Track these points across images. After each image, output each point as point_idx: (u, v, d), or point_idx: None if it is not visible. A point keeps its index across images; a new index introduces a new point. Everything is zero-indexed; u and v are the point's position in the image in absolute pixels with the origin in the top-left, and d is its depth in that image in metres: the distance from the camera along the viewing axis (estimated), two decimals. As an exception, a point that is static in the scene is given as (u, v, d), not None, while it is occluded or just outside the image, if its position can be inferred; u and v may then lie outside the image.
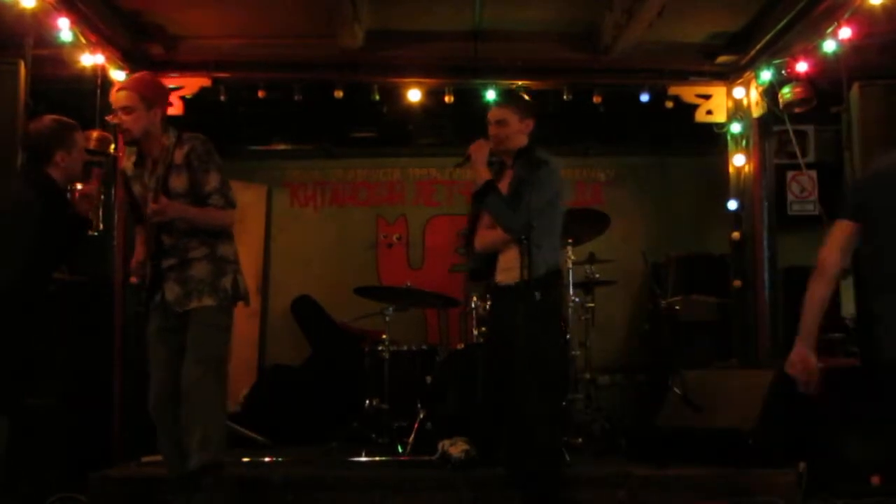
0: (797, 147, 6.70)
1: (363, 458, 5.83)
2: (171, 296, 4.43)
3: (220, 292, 4.45)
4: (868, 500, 5.10)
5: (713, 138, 6.95)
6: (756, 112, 6.62)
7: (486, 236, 4.91)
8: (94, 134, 5.94)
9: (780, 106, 6.19)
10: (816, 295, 3.45)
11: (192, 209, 4.42)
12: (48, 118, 4.48)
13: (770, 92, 6.35)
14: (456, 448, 5.44)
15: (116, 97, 4.51)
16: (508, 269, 4.75)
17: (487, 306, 6.19)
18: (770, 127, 6.66)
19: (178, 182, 4.44)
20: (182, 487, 4.41)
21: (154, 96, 4.53)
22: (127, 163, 4.78)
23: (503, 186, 4.78)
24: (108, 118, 4.60)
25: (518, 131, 4.89)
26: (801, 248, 7.06)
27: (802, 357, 3.45)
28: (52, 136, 4.43)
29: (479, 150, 4.80)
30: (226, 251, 4.55)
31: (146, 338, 4.59)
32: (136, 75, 4.86)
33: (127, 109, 4.44)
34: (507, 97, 5.19)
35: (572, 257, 6.46)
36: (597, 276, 6.59)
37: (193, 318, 4.40)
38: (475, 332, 6.31)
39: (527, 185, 4.66)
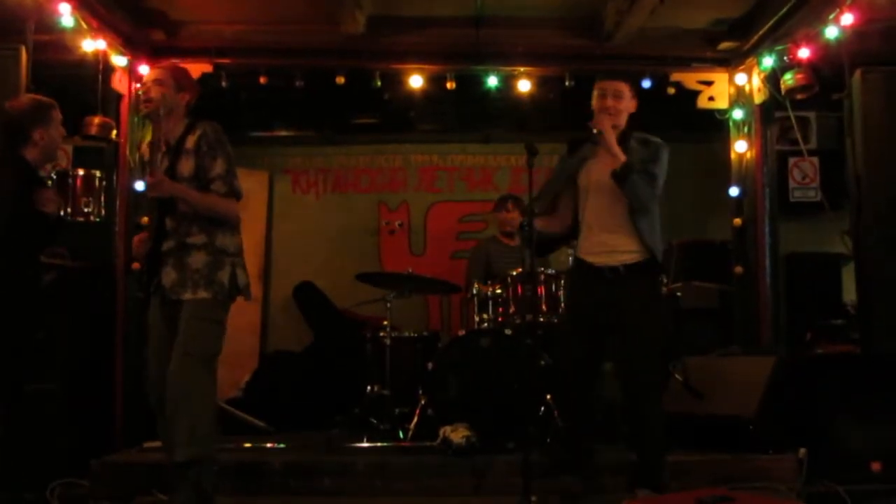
0: (799, 133, 6.69)
1: (365, 444, 5.84)
2: (168, 281, 4.40)
3: (215, 285, 4.40)
4: (869, 487, 5.11)
5: (715, 125, 6.94)
6: (758, 98, 6.62)
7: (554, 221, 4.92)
8: (96, 120, 5.95)
9: (782, 92, 6.18)
10: None
11: (192, 191, 4.40)
12: (26, 97, 4.50)
13: (772, 78, 6.34)
14: (457, 434, 5.44)
15: (151, 71, 4.65)
16: (615, 251, 4.70)
17: (493, 293, 6.21)
18: (772, 113, 6.65)
19: (186, 166, 4.43)
20: (182, 472, 4.42)
21: (185, 83, 4.61)
22: (146, 147, 4.76)
23: (607, 164, 4.67)
24: (139, 88, 4.64)
25: (627, 109, 4.82)
26: (802, 235, 7.08)
27: None
28: (30, 113, 4.47)
29: (606, 126, 4.66)
30: (225, 242, 4.50)
31: (146, 323, 4.58)
32: (171, 62, 4.94)
33: (158, 81, 4.51)
34: (619, 74, 5.05)
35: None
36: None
37: (186, 310, 4.35)
38: (477, 319, 6.31)
39: (652, 164, 4.68)
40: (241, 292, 4.54)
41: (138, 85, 6.24)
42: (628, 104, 4.81)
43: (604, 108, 4.74)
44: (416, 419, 5.86)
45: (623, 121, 4.79)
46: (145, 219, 6.27)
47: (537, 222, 4.69)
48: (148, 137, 4.79)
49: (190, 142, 4.44)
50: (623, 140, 4.72)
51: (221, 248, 4.48)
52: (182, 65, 6.34)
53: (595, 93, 4.83)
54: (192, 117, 4.56)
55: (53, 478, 5.12)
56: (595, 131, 4.66)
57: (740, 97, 6.76)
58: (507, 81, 6.77)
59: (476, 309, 6.34)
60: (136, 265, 6.23)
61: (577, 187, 4.88)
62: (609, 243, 4.73)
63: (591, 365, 4.83)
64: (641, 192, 4.64)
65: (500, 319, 6.22)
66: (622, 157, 4.61)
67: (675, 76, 6.77)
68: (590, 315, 4.71)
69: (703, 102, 6.84)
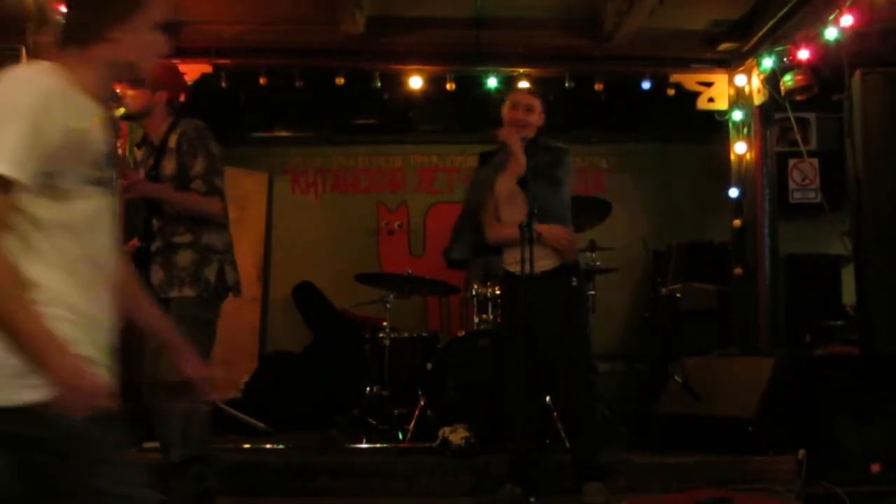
0: (798, 135, 6.70)
1: (363, 445, 5.85)
2: (156, 280, 4.37)
3: (201, 283, 4.36)
4: (868, 488, 5.11)
5: (714, 126, 6.95)
6: (757, 99, 6.62)
7: (503, 230, 4.94)
8: (95, 120, 5.94)
9: (782, 93, 6.19)
10: None
11: (170, 192, 4.37)
12: None
13: (772, 79, 6.35)
14: (456, 435, 5.45)
15: None
16: (537, 257, 4.66)
17: (493, 294, 6.24)
18: (771, 114, 6.65)
19: (169, 166, 4.40)
20: (181, 473, 4.41)
21: (163, 80, 4.50)
22: (138, 148, 4.77)
23: (513, 173, 4.82)
24: (116, 87, 4.58)
25: (537, 122, 4.99)
26: (802, 236, 7.09)
27: None
28: None
29: (512, 137, 4.81)
30: (212, 240, 4.45)
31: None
32: None
33: (129, 83, 4.45)
34: (532, 87, 5.25)
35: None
36: (597, 263, 6.57)
37: (172, 308, 4.29)
38: (476, 320, 6.31)
39: (558, 170, 4.82)
40: (230, 290, 4.50)
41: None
42: (539, 117, 5.00)
43: (514, 120, 4.94)
44: (414, 420, 5.87)
45: (532, 132, 4.94)
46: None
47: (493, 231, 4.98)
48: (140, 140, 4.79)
49: (172, 141, 4.42)
50: (531, 149, 4.84)
51: (208, 245, 4.43)
52: (182, 65, 6.39)
53: (507, 104, 5.03)
54: (176, 115, 4.52)
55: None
56: (499, 142, 4.86)
57: (740, 98, 6.76)
58: (507, 82, 6.76)
59: (475, 310, 6.35)
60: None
61: (494, 199, 5.04)
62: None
63: (536, 376, 4.83)
64: (547, 198, 4.75)
65: (499, 320, 6.22)
66: (523, 164, 4.74)
67: (675, 77, 6.77)
68: (520, 324, 4.69)
69: (702, 103, 6.84)
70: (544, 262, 4.73)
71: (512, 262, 4.85)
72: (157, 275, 4.39)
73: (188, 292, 4.34)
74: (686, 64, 6.82)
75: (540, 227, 4.62)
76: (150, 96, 4.46)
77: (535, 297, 4.64)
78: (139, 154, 4.67)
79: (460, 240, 5.15)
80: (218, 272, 4.43)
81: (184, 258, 4.38)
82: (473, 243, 5.14)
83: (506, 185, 4.94)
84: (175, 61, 6.41)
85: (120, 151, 4.82)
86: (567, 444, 5.50)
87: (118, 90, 4.54)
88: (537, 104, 5.00)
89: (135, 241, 4.59)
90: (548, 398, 5.26)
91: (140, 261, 4.43)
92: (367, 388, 6.37)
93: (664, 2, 5.74)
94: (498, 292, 6.26)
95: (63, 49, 2.21)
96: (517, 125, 4.90)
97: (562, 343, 4.80)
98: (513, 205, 4.90)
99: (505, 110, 5.01)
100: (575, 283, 4.90)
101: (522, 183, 4.74)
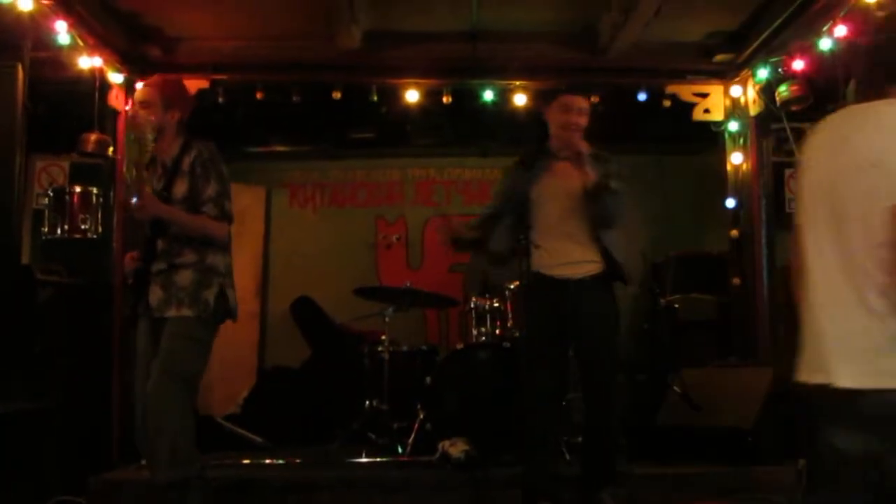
0: (795, 145, 6.69)
1: (363, 459, 5.84)
2: (154, 300, 4.35)
3: (200, 304, 4.33)
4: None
5: (711, 137, 6.95)
6: (753, 110, 6.63)
7: None
8: (93, 137, 5.95)
9: (778, 104, 6.19)
10: None
11: (181, 213, 4.36)
12: None
13: (767, 90, 6.36)
14: (456, 448, 5.44)
15: (138, 92, 4.61)
16: (577, 262, 4.70)
17: (491, 306, 6.23)
18: (767, 125, 6.66)
19: (180, 187, 4.39)
20: (171, 493, 4.40)
21: (174, 99, 4.54)
22: (142, 165, 4.77)
23: (573, 180, 4.67)
24: (129, 110, 4.59)
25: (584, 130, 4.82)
26: (799, 246, 7.07)
27: None
28: None
29: (585, 146, 4.66)
30: (215, 261, 4.43)
31: (136, 344, 4.52)
32: (162, 77, 4.87)
33: (144, 104, 4.48)
34: (581, 89, 5.09)
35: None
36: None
37: (169, 328, 4.29)
38: (475, 332, 6.31)
39: (614, 179, 4.63)
40: (229, 313, 4.48)
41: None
42: (587, 121, 4.81)
43: (573, 125, 4.75)
44: (414, 433, 5.86)
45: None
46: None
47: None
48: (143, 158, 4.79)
49: (185, 163, 4.40)
50: (586, 156, 4.70)
51: (211, 266, 4.41)
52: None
53: (556, 107, 4.83)
54: (187, 135, 4.52)
55: (51, 495, 5.11)
56: (578, 151, 4.63)
57: (736, 109, 6.78)
58: (504, 95, 6.78)
59: (474, 322, 6.34)
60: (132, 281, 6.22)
61: (529, 201, 4.84)
62: (570, 256, 4.72)
63: (558, 388, 4.86)
64: (614, 209, 4.66)
65: (498, 333, 6.22)
66: (592, 176, 4.59)
67: (671, 88, 6.78)
68: (554, 331, 4.67)
69: (698, 115, 6.85)
70: (591, 266, 4.71)
71: (553, 264, 4.72)
72: (155, 294, 4.36)
73: (187, 312, 4.31)
74: (682, 75, 6.82)
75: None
76: (162, 115, 4.46)
77: (579, 302, 4.63)
78: (146, 174, 4.65)
79: (499, 232, 4.95)
80: (218, 294, 4.40)
81: (184, 278, 4.35)
82: (512, 235, 4.90)
83: (554, 191, 4.78)
84: (172, 77, 6.46)
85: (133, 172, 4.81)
86: (567, 458, 5.52)
87: (131, 112, 4.56)
88: (588, 105, 4.83)
89: (132, 255, 4.58)
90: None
91: (139, 279, 4.43)
92: (367, 402, 6.36)
93: (659, 14, 5.76)
94: (496, 304, 6.26)
95: None
96: (572, 129, 4.73)
97: (601, 353, 4.71)
98: (559, 211, 4.76)
99: (555, 112, 4.82)
100: (616, 291, 4.81)
101: (595, 197, 4.59)
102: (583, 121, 4.77)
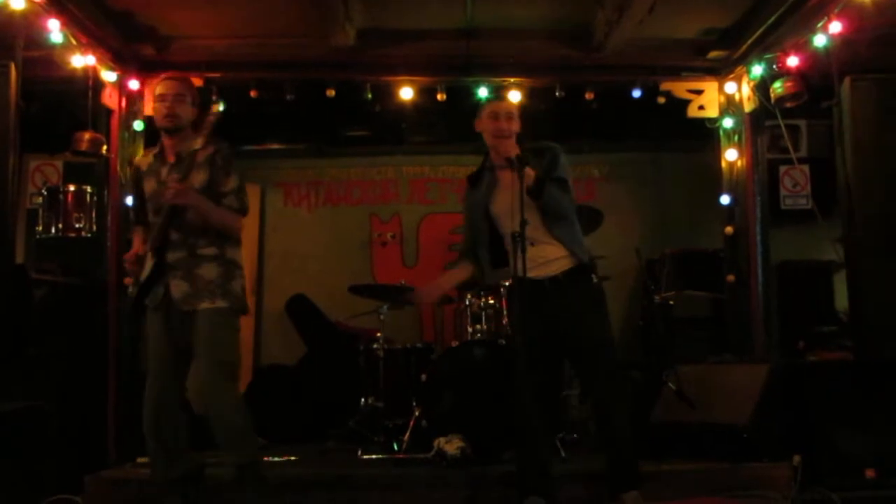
0: (789, 142, 6.71)
1: (359, 457, 5.84)
2: (178, 293, 4.38)
3: (231, 295, 4.45)
4: (863, 494, 5.12)
5: (705, 133, 6.95)
6: (748, 107, 6.63)
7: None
8: (86, 135, 5.94)
9: (772, 101, 6.19)
10: None
11: (209, 202, 4.43)
12: None
13: (762, 87, 6.35)
14: (451, 445, 5.45)
15: (169, 84, 4.59)
16: (548, 261, 4.72)
17: (486, 304, 6.23)
18: (762, 122, 6.66)
19: (198, 179, 4.44)
20: (172, 490, 4.43)
21: (197, 96, 4.68)
22: (142, 159, 4.76)
23: (512, 185, 4.58)
24: (156, 101, 4.56)
25: (517, 130, 4.84)
26: (794, 243, 7.10)
27: None
28: None
29: (514, 149, 4.67)
30: (234, 255, 4.54)
31: (146, 336, 4.55)
32: (181, 74, 4.86)
33: (180, 97, 4.56)
34: (507, 96, 5.15)
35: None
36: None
37: (206, 320, 4.36)
38: (470, 330, 6.31)
39: (556, 170, 4.67)
40: (245, 307, 4.60)
41: (129, 100, 6.30)
42: (518, 125, 4.83)
43: (504, 132, 4.78)
44: (409, 431, 5.86)
45: (514, 140, 4.81)
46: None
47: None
48: (152, 151, 4.75)
49: (201, 155, 4.45)
50: (519, 155, 4.63)
51: (232, 260, 4.52)
52: (167, 79, 6.40)
53: (486, 114, 4.85)
54: (200, 133, 4.52)
55: (47, 494, 5.09)
56: (513, 158, 4.54)
57: (730, 106, 6.78)
58: (498, 92, 6.75)
59: (469, 320, 6.34)
60: (127, 280, 6.21)
61: (491, 217, 4.87)
62: (541, 256, 4.72)
63: (550, 387, 4.89)
64: (560, 200, 4.69)
65: (493, 330, 6.22)
66: (531, 173, 4.54)
67: (665, 85, 6.78)
68: (540, 331, 4.65)
69: (693, 111, 6.85)
70: (561, 262, 4.72)
71: (529, 267, 4.53)
72: (179, 288, 4.39)
73: (222, 303, 4.41)
74: (676, 72, 6.83)
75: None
76: (191, 110, 4.58)
77: (557, 301, 4.65)
78: (143, 164, 4.69)
79: (484, 261, 4.97)
80: (241, 287, 4.53)
81: (209, 271, 4.42)
82: (493, 261, 4.95)
83: (505, 201, 4.72)
84: (165, 76, 6.45)
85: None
86: (563, 455, 5.54)
87: (163, 103, 4.55)
88: (516, 109, 4.86)
89: (130, 256, 4.57)
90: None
91: (156, 270, 4.43)
92: (362, 400, 6.37)
93: (654, 11, 5.76)
94: (491, 302, 6.26)
95: None
96: (504, 135, 4.77)
97: (592, 344, 4.71)
98: (514, 218, 4.63)
99: (485, 122, 4.84)
100: (595, 281, 4.80)
101: (536, 193, 4.56)
102: (514, 125, 4.80)
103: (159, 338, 4.46)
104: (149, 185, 4.59)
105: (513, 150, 4.67)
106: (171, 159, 4.54)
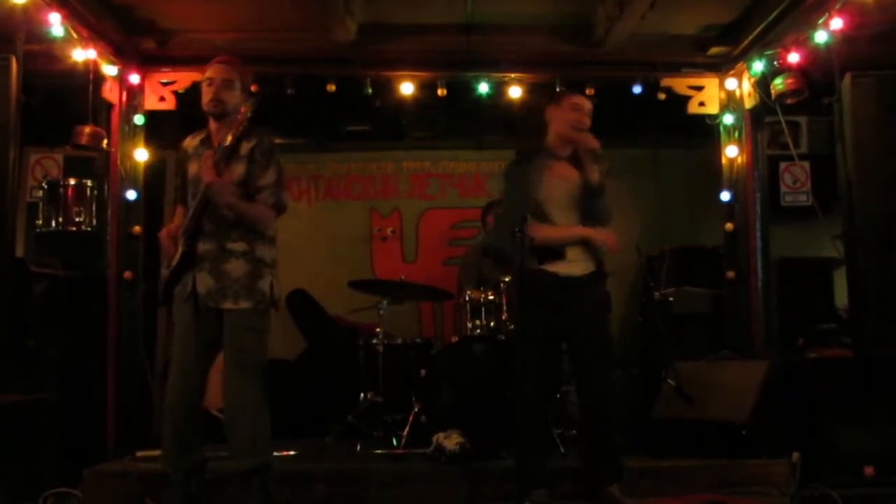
0: (789, 138, 6.70)
1: (358, 452, 5.84)
2: (203, 288, 4.34)
3: (257, 294, 4.39)
4: (862, 491, 5.12)
5: (706, 130, 6.95)
6: (748, 103, 6.63)
7: (563, 231, 4.84)
8: (87, 129, 5.94)
9: (773, 97, 6.18)
10: None
11: (242, 201, 4.37)
12: None
13: (762, 83, 6.35)
14: (450, 441, 5.45)
15: (219, 68, 4.50)
16: (574, 261, 4.79)
17: (486, 299, 6.22)
18: (762, 118, 6.67)
19: (236, 171, 4.38)
20: (175, 482, 4.42)
21: (246, 82, 4.59)
22: (189, 140, 4.68)
23: (571, 178, 4.84)
24: (204, 84, 4.49)
25: None
26: (794, 239, 7.10)
27: None
28: None
29: (596, 143, 4.82)
30: (263, 253, 4.49)
31: (174, 323, 4.50)
32: (232, 58, 4.68)
33: (228, 83, 4.47)
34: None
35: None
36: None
37: (230, 321, 4.34)
38: (469, 325, 6.30)
39: (606, 178, 4.85)
40: (275, 304, 4.54)
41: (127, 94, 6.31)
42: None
43: (584, 125, 4.88)
44: (409, 426, 5.87)
45: None
46: (137, 228, 6.28)
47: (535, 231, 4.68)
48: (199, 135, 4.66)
49: (244, 147, 4.40)
50: (584, 153, 4.86)
51: (261, 258, 4.47)
52: (173, 74, 6.40)
53: (567, 106, 4.92)
54: (249, 122, 4.43)
55: (46, 487, 5.09)
56: (593, 149, 4.78)
57: (731, 102, 6.78)
58: (498, 88, 6.78)
59: (469, 315, 6.33)
60: (127, 274, 6.21)
61: (538, 202, 4.85)
62: (573, 253, 4.81)
63: (552, 381, 4.97)
64: (604, 207, 4.87)
65: (492, 325, 6.22)
66: (596, 174, 4.76)
67: (666, 81, 6.78)
68: (546, 325, 4.68)
69: (693, 108, 6.84)
70: (586, 264, 4.82)
71: (555, 261, 4.78)
72: (204, 283, 4.35)
73: (244, 304, 4.36)
74: (677, 68, 6.82)
75: (594, 233, 4.77)
76: (239, 96, 4.50)
77: (575, 300, 4.72)
78: (190, 146, 4.61)
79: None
80: (270, 285, 4.48)
81: (237, 268, 4.37)
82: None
83: (555, 188, 4.84)
84: (166, 69, 6.45)
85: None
86: (562, 450, 5.54)
87: (211, 86, 4.46)
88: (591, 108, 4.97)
89: (168, 231, 4.52)
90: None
91: (184, 260, 4.38)
92: (362, 395, 6.37)
93: (654, 7, 5.76)
94: (491, 297, 6.25)
95: None
96: (583, 128, 4.86)
97: (595, 346, 4.79)
98: (561, 209, 4.84)
99: (566, 111, 4.90)
100: (607, 290, 4.94)
101: (599, 192, 4.78)
102: (590, 122, 4.91)
103: (187, 328, 4.41)
104: (192, 168, 4.52)
105: (592, 143, 4.80)
106: (215, 145, 4.44)
